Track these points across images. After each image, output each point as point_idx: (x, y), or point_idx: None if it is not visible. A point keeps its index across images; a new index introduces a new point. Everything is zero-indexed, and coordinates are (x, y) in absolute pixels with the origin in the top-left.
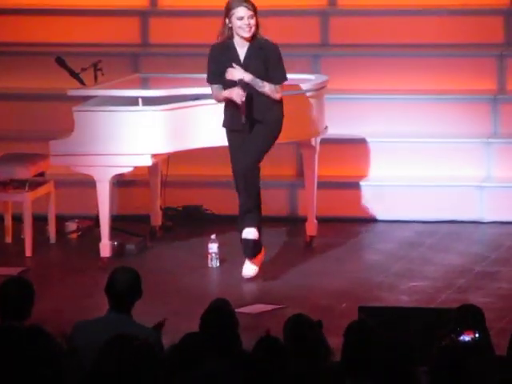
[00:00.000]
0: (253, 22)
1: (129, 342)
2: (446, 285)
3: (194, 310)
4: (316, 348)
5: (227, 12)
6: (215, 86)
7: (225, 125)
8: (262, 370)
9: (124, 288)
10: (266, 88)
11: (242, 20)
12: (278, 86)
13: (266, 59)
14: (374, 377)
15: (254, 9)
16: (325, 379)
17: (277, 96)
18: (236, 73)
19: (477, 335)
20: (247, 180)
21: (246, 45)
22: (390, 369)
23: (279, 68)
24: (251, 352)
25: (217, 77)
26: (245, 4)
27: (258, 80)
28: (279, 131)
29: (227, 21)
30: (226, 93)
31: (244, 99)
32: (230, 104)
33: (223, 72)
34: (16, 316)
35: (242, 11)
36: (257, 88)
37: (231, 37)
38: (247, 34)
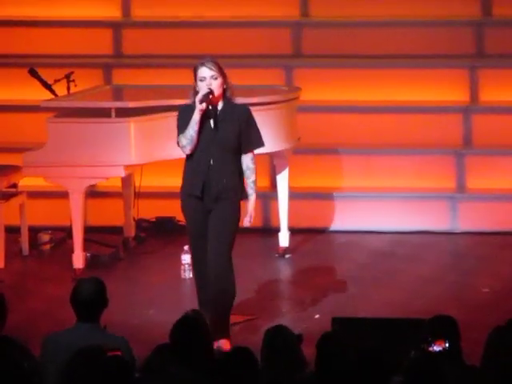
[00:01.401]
0: (216, 83)
1: (98, 354)
2: (418, 295)
3: (167, 320)
4: (292, 359)
5: (194, 74)
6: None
7: (184, 191)
8: (234, 379)
9: (88, 298)
10: (255, 180)
11: (203, 81)
12: (252, 157)
13: (240, 123)
14: None
15: (220, 70)
16: None
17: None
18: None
19: (447, 345)
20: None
21: (219, 107)
22: (364, 379)
23: (255, 132)
24: (223, 362)
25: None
26: (208, 64)
27: (254, 187)
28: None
29: (195, 84)
30: (197, 106)
31: (210, 93)
32: (190, 168)
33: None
34: None
35: (203, 72)
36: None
37: None
38: (199, 96)
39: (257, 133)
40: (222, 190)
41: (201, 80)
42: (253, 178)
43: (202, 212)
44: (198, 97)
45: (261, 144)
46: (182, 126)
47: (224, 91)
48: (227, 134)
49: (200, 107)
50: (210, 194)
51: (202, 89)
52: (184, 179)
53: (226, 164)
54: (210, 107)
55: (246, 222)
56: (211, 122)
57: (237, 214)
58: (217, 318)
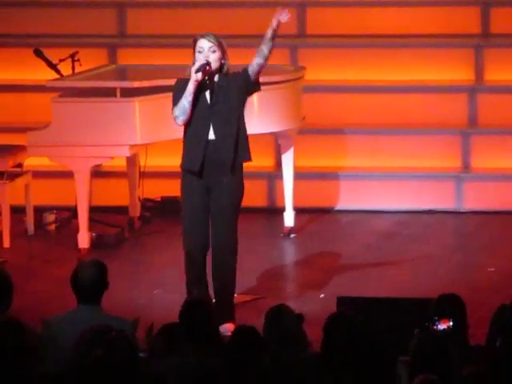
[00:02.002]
0: (214, 56)
1: (104, 334)
2: (423, 275)
3: (172, 300)
4: (293, 339)
5: (193, 46)
6: None
7: (184, 166)
8: (239, 358)
9: (89, 280)
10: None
11: (201, 52)
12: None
13: (237, 84)
14: (354, 368)
15: (219, 45)
16: (301, 369)
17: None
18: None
19: (451, 323)
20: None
21: (216, 78)
22: (370, 360)
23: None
24: (229, 341)
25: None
26: (207, 37)
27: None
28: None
29: (194, 56)
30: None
31: (207, 64)
32: (189, 144)
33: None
34: None
35: (202, 43)
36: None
37: None
38: (195, 67)
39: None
40: (223, 166)
41: (199, 51)
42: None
43: (200, 187)
44: (195, 66)
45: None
46: (176, 98)
47: (221, 66)
48: (225, 107)
49: (195, 77)
50: (210, 169)
51: (200, 60)
52: (183, 155)
53: (226, 138)
54: (207, 79)
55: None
56: (207, 95)
57: (241, 189)
58: (223, 299)
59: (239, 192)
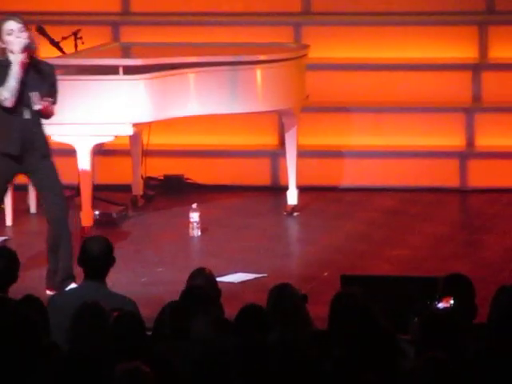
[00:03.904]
0: (24, 35)
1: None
2: (429, 253)
3: (175, 278)
4: (296, 318)
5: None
6: None
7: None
8: (246, 337)
9: (95, 256)
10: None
11: (11, 34)
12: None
13: (45, 81)
14: (359, 346)
15: (25, 25)
16: (306, 347)
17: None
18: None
19: (452, 302)
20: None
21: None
22: (375, 338)
23: (56, 91)
24: (234, 320)
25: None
26: (13, 18)
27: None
28: None
29: (2, 40)
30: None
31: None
32: (4, 125)
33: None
34: (2, 285)
35: (10, 25)
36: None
37: (6, 56)
38: (18, 47)
39: (56, 90)
40: (43, 147)
41: (8, 34)
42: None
43: (14, 168)
44: (20, 47)
45: (55, 101)
46: None
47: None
48: (36, 89)
49: (22, 58)
50: (31, 151)
51: (14, 42)
52: None
53: (39, 121)
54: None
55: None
56: (30, 78)
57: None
58: (68, 263)
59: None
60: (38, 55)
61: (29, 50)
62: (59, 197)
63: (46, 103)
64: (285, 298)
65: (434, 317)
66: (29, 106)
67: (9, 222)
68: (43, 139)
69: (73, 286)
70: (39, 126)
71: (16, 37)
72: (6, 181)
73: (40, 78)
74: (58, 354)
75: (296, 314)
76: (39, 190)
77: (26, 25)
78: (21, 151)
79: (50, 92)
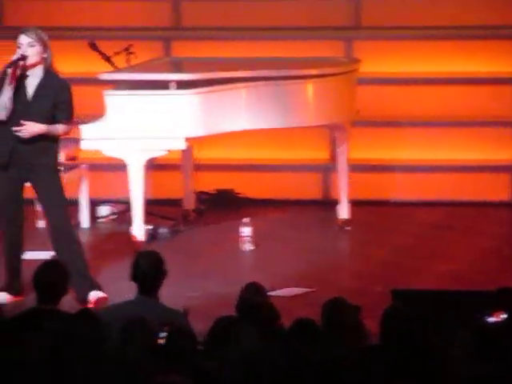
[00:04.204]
0: (32, 50)
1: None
2: (477, 267)
3: (227, 293)
4: (354, 332)
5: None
6: None
7: None
8: (298, 351)
9: (147, 271)
10: (60, 129)
11: (20, 48)
12: (68, 125)
13: (56, 97)
14: (410, 360)
15: (40, 39)
16: (361, 362)
17: (66, 131)
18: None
19: (503, 316)
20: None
21: (39, 77)
22: (425, 352)
23: (67, 109)
24: (287, 333)
25: None
26: (26, 32)
27: (52, 128)
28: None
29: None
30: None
31: (17, 63)
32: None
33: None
34: (51, 299)
35: (21, 39)
36: (54, 133)
37: None
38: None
39: (70, 106)
40: (32, 160)
41: (18, 47)
42: (59, 126)
43: (10, 180)
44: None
45: (70, 117)
46: None
47: (44, 61)
48: (41, 106)
49: (8, 71)
50: (20, 162)
51: (17, 55)
52: None
53: (37, 136)
54: (22, 73)
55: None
56: (28, 90)
57: (58, 177)
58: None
59: (58, 181)
60: (55, 70)
61: (16, 64)
62: (57, 209)
63: (25, 127)
64: (341, 312)
65: (486, 331)
66: (27, 120)
67: None
68: (41, 152)
69: (99, 293)
70: (38, 139)
71: (22, 51)
72: (9, 193)
73: (45, 93)
74: (108, 367)
75: (353, 327)
76: (39, 202)
77: (41, 38)
78: (8, 163)
79: (60, 108)
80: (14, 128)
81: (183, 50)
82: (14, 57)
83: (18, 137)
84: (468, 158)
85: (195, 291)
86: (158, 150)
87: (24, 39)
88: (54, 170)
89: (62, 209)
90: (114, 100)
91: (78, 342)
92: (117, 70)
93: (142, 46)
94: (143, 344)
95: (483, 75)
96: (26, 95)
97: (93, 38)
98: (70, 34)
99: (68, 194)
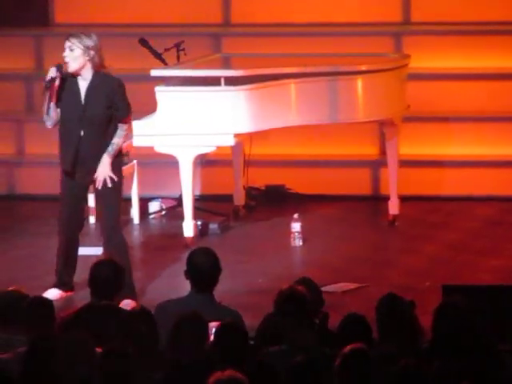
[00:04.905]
0: (72, 54)
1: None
2: None
3: (276, 288)
4: (410, 327)
5: None
6: None
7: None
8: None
9: (202, 270)
10: (118, 140)
11: (64, 52)
12: (123, 125)
13: (108, 98)
14: (463, 356)
15: (80, 42)
16: (415, 358)
17: (126, 132)
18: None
19: None
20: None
21: (88, 79)
22: (477, 349)
23: (122, 107)
24: (338, 329)
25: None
26: (70, 36)
27: (110, 149)
28: (121, 176)
29: None
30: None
31: (54, 80)
32: (61, 142)
33: (65, 99)
34: (106, 295)
35: (65, 43)
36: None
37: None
38: (68, 67)
39: (125, 104)
40: (94, 164)
41: (64, 51)
42: (114, 140)
43: (74, 184)
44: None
45: (126, 115)
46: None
47: (89, 63)
48: (94, 109)
49: (46, 85)
50: (83, 167)
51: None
52: (59, 153)
53: (95, 137)
54: (66, 78)
55: (97, 183)
56: (82, 95)
57: (118, 181)
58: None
59: (117, 184)
60: (106, 70)
61: (51, 82)
62: (105, 210)
63: (99, 178)
64: (397, 307)
65: None
66: (84, 123)
67: None
68: (99, 154)
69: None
70: (100, 144)
71: (64, 55)
72: (73, 196)
73: (96, 95)
74: (161, 363)
75: (409, 322)
76: (95, 200)
77: (82, 41)
78: (72, 169)
79: (114, 107)
80: (96, 186)
81: (233, 46)
82: (48, 76)
83: (80, 142)
84: None
85: (245, 287)
86: (208, 146)
87: (66, 43)
88: (115, 172)
89: (114, 211)
90: (164, 96)
91: (136, 341)
92: (167, 66)
93: (193, 43)
94: (196, 340)
95: None
96: (79, 99)
97: (143, 35)
98: (121, 30)
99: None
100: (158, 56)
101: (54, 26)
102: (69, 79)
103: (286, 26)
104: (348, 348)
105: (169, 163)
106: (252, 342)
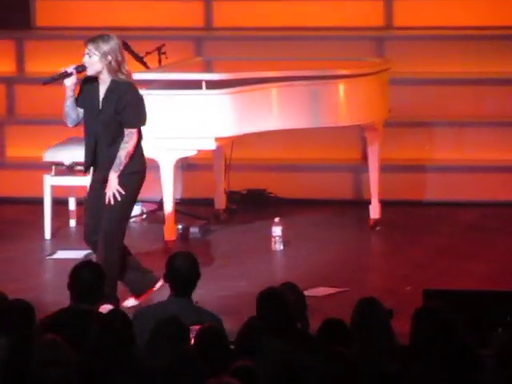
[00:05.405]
0: (89, 60)
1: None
2: (510, 268)
3: (258, 292)
4: (381, 332)
5: None
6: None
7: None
8: (328, 350)
9: (182, 273)
10: (119, 156)
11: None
12: (130, 132)
13: (118, 102)
14: (441, 361)
15: (97, 48)
16: (389, 362)
17: (131, 146)
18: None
19: None
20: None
21: (106, 83)
22: (456, 352)
23: (130, 113)
24: (317, 333)
25: (79, 101)
26: (88, 41)
27: (115, 165)
28: (136, 187)
29: None
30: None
31: (66, 75)
32: (84, 143)
33: (86, 100)
34: (86, 300)
35: (85, 48)
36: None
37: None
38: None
39: (133, 112)
40: (107, 168)
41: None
42: (119, 153)
43: (95, 183)
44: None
45: (134, 124)
46: (78, 95)
47: (109, 67)
48: (107, 113)
49: (53, 77)
50: (100, 169)
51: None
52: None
53: (108, 142)
54: (96, 81)
55: (106, 199)
56: (100, 98)
57: (126, 189)
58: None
59: (125, 192)
60: (125, 75)
61: (65, 75)
62: (106, 214)
63: (108, 193)
64: (371, 312)
65: None
66: (99, 127)
67: None
68: (111, 159)
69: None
70: (111, 149)
71: (83, 60)
72: (96, 196)
73: (110, 99)
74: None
75: (381, 329)
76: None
77: (99, 47)
78: (89, 166)
79: (122, 114)
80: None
81: (215, 50)
82: (63, 69)
83: (96, 146)
84: (501, 158)
85: (226, 291)
86: (189, 150)
87: (85, 49)
88: (127, 174)
89: (116, 214)
90: (145, 100)
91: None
92: (149, 69)
93: (174, 46)
94: (175, 344)
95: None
96: (97, 102)
97: (125, 38)
98: (102, 33)
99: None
100: (140, 59)
101: (36, 29)
102: (91, 82)
103: (268, 30)
104: (326, 352)
105: (150, 167)
106: (232, 347)
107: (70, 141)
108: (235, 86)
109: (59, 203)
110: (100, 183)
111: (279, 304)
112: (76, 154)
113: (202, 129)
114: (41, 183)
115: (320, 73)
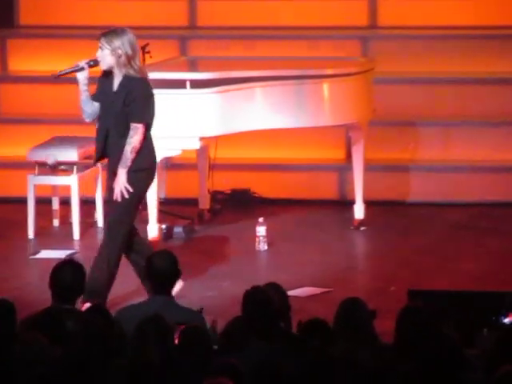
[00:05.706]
0: (101, 54)
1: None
2: (496, 268)
3: (242, 292)
4: (363, 333)
5: None
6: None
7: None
8: (309, 350)
9: (161, 271)
10: (125, 151)
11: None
12: (135, 127)
13: (127, 95)
14: (425, 360)
15: (109, 42)
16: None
17: (137, 140)
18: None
19: None
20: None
21: (119, 78)
22: (442, 352)
23: (136, 109)
24: (300, 334)
25: (96, 95)
26: (101, 35)
27: (122, 161)
28: (144, 184)
29: None
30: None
31: (79, 69)
32: (97, 132)
33: (101, 94)
34: (67, 299)
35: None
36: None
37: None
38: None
39: (140, 106)
40: (116, 162)
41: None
42: (126, 148)
43: (109, 175)
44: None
45: (140, 118)
46: (96, 89)
47: (118, 62)
48: (117, 105)
49: (64, 71)
50: (111, 162)
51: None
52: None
53: (118, 135)
54: (111, 76)
55: (114, 195)
56: (113, 92)
57: (134, 187)
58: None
59: (131, 188)
60: (138, 71)
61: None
62: (111, 210)
63: (116, 191)
64: (355, 312)
65: (510, 331)
66: (111, 121)
67: (76, 235)
68: (121, 153)
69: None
70: (120, 143)
71: (97, 54)
72: (110, 187)
73: (120, 94)
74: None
75: (363, 329)
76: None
77: (111, 42)
78: (100, 158)
79: (128, 109)
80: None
81: (199, 49)
82: (75, 63)
83: (108, 133)
84: (487, 159)
85: (210, 291)
86: (173, 150)
87: (99, 42)
88: (135, 171)
89: (122, 209)
90: None
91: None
92: None
93: (158, 46)
94: (158, 343)
95: (499, 75)
96: (111, 96)
97: None
98: (86, 32)
99: (83, 193)
100: None
101: (19, 27)
102: (107, 77)
103: (252, 29)
104: (312, 354)
105: None
106: (216, 347)
107: (53, 140)
108: (220, 85)
109: (43, 202)
110: (111, 177)
111: (264, 304)
112: (60, 153)
113: (186, 128)
114: (24, 182)
115: (304, 72)
